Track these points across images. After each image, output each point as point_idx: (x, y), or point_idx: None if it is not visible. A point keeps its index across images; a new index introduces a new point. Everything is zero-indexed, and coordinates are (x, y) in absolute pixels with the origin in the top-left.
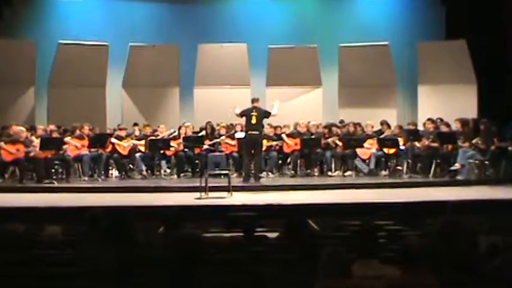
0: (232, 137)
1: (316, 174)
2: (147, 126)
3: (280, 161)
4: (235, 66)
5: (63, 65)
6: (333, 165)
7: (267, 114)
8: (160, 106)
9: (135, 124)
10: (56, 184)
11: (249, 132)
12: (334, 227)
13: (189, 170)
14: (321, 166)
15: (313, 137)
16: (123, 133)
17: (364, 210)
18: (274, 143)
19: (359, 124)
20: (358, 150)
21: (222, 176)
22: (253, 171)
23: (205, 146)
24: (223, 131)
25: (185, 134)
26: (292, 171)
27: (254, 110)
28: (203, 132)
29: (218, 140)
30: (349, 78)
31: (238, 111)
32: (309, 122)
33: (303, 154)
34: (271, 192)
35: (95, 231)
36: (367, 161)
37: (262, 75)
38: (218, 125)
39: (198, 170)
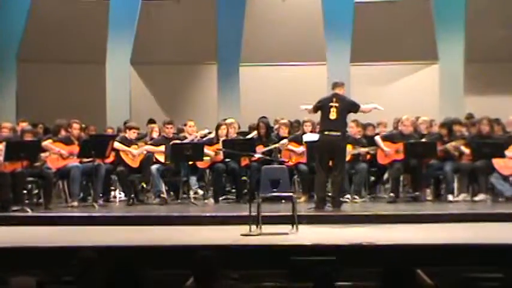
0: (298, 141)
1: (428, 198)
2: (168, 124)
3: (372, 178)
4: (303, 32)
5: (39, 30)
6: (455, 185)
7: (354, 107)
8: (188, 93)
9: (151, 121)
10: (29, 212)
11: (326, 132)
12: (458, 282)
13: (233, 190)
14: (437, 186)
15: (424, 140)
16: (132, 135)
17: (507, 255)
18: (363, 149)
19: (497, 121)
20: (496, 162)
21: (283, 201)
22: (330, 194)
23: (257, 155)
24: (284, 132)
25: (226, 136)
26: (391, 194)
27: (334, 100)
28: (254, 134)
29: (277, 145)
30: (481, 50)
31: (309, 107)
32: (417, 118)
33: (408, 167)
34: (358, 226)
35: (87, 284)
36: (510, 178)
37: (345, 45)
38: (277, 122)
39: (245, 191)
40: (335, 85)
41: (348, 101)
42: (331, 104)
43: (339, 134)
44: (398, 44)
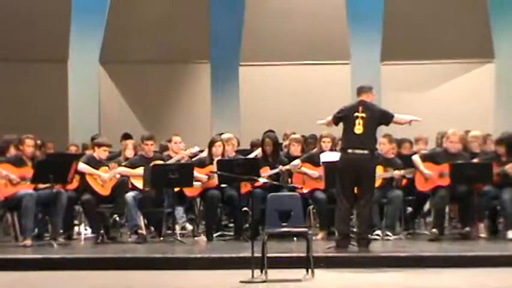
0: (314, 162)
1: (482, 235)
2: (148, 139)
3: (409, 209)
4: (321, 24)
5: None
6: None
7: (386, 118)
8: (173, 101)
9: (126, 136)
10: None
11: (349, 150)
12: None
13: (230, 225)
14: (493, 219)
15: (476, 161)
16: (101, 154)
17: None
18: (397, 173)
19: None
20: None
21: (295, 238)
22: (355, 229)
23: (261, 179)
24: (296, 150)
25: (222, 155)
26: (434, 230)
27: (361, 109)
28: (258, 152)
29: (287, 167)
30: None
31: (327, 119)
32: (466, 133)
33: (455, 195)
34: (391, 271)
35: None
36: None
37: (374, 40)
38: (287, 137)
39: (247, 225)
40: (361, 90)
41: (377, 110)
42: (356, 114)
43: (366, 152)
44: (441, 38)
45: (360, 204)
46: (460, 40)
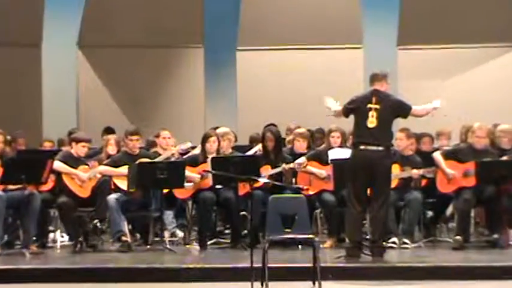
0: (322, 160)
1: None
2: (133, 134)
3: (430, 213)
4: (330, 3)
5: None
6: None
7: (404, 109)
8: (162, 90)
9: (108, 130)
10: None
11: (361, 147)
12: None
13: (226, 231)
14: None
15: (505, 158)
16: (80, 150)
17: None
18: (416, 172)
19: None
20: None
21: (300, 246)
22: (369, 236)
23: (261, 179)
24: (301, 146)
25: (218, 151)
26: (458, 237)
27: (374, 100)
28: (257, 149)
29: (291, 165)
30: None
31: (336, 104)
32: (495, 126)
33: (482, 198)
34: (409, 283)
35: None
36: None
37: (390, 22)
38: (290, 131)
39: (245, 232)
40: (374, 78)
41: (393, 101)
42: (369, 105)
43: (380, 148)
44: (465, 20)
45: (373, 207)
46: (486, 22)
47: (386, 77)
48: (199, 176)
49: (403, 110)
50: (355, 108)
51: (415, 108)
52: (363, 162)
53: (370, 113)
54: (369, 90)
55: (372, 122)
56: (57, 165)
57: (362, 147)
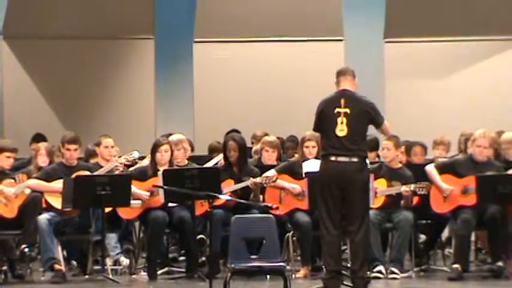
0: (295, 173)
1: None
2: (69, 142)
3: (422, 237)
4: None
5: None
6: None
7: (377, 118)
8: (103, 88)
9: (38, 138)
10: None
11: (331, 158)
12: None
13: (181, 258)
14: None
15: (510, 172)
16: (4, 161)
17: None
18: (405, 188)
19: None
20: None
21: (268, 277)
22: (349, 264)
23: (223, 196)
24: (270, 157)
25: (170, 163)
26: (456, 265)
27: (343, 102)
28: (218, 159)
29: (258, 179)
30: None
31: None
32: (499, 134)
33: (483, 218)
34: None
35: None
36: None
37: (375, 11)
38: (256, 138)
39: (203, 259)
40: (341, 74)
41: (366, 104)
42: (337, 109)
43: (354, 160)
44: (465, 9)
45: (351, 230)
46: (488, 12)
47: (353, 74)
48: (148, 192)
49: (376, 117)
50: (323, 113)
51: (385, 123)
52: (335, 176)
53: (339, 119)
54: (337, 91)
55: (341, 129)
56: None
57: (332, 158)
